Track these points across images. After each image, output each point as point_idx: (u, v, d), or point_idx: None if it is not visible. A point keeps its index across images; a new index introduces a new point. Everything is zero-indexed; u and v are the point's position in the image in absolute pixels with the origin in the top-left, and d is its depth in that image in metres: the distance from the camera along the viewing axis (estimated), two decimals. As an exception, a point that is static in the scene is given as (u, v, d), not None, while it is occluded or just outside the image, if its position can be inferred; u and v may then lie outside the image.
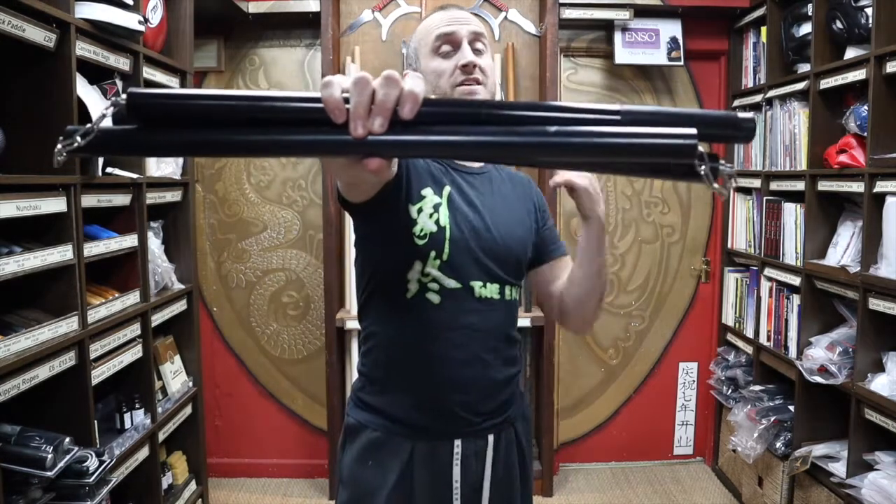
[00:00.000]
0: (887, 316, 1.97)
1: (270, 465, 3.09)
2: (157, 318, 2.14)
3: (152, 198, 2.09)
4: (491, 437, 1.15)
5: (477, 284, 1.10)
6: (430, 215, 1.06)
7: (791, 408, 2.48)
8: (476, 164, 1.18)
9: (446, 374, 1.10)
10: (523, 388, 1.32)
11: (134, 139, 0.55)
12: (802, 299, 2.39)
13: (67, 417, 1.66)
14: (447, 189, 1.10)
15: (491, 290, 1.11)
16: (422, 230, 1.05)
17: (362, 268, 1.15)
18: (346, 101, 0.54)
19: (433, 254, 1.06)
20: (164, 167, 2.19)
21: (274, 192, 2.99)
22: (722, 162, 0.56)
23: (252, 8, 2.73)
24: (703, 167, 0.54)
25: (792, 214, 2.50)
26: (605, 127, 0.56)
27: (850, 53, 2.20)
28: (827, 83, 2.28)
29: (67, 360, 1.63)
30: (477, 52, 1.12)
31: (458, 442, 1.12)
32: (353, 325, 2.77)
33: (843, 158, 2.18)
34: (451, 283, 1.08)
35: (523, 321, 2.63)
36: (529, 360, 2.96)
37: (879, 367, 2.04)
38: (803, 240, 2.40)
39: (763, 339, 2.69)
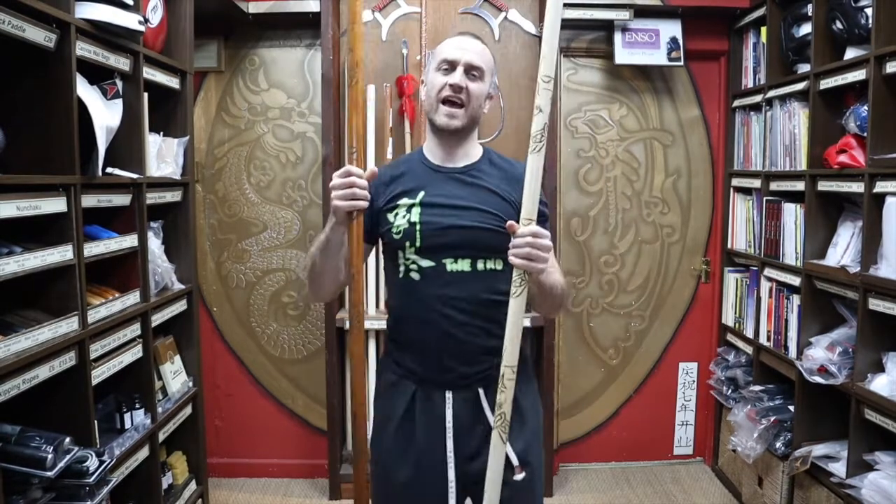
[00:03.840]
0: (887, 316, 1.97)
1: (270, 465, 3.09)
2: (157, 318, 2.14)
3: (152, 198, 2.09)
4: (481, 390, 1.41)
5: (448, 261, 1.38)
6: (403, 216, 1.40)
7: (791, 408, 2.48)
8: (460, 164, 1.46)
9: (432, 334, 1.39)
10: (531, 373, 1.55)
11: None
12: (802, 299, 2.39)
13: (67, 417, 1.66)
14: (422, 193, 1.41)
15: (462, 265, 1.38)
16: (398, 228, 1.39)
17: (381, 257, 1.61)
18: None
19: (408, 243, 1.39)
20: (164, 167, 2.19)
21: (274, 192, 2.99)
22: None
23: (252, 8, 2.73)
24: None
25: (792, 214, 2.50)
26: None
27: (850, 54, 2.20)
28: (827, 83, 2.28)
29: (67, 360, 1.63)
30: (472, 77, 1.39)
31: (448, 393, 1.41)
32: (353, 325, 2.77)
33: (843, 158, 2.18)
34: (426, 263, 1.39)
35: (523, 321, 2.62)
36: (529, 360, 2.96)
37: (879, 368, 2.03)
38: (803, 240, 2.40)
39: (763, 340, 2.69)
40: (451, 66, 1.40)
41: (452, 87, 1.38)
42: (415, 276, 1.40)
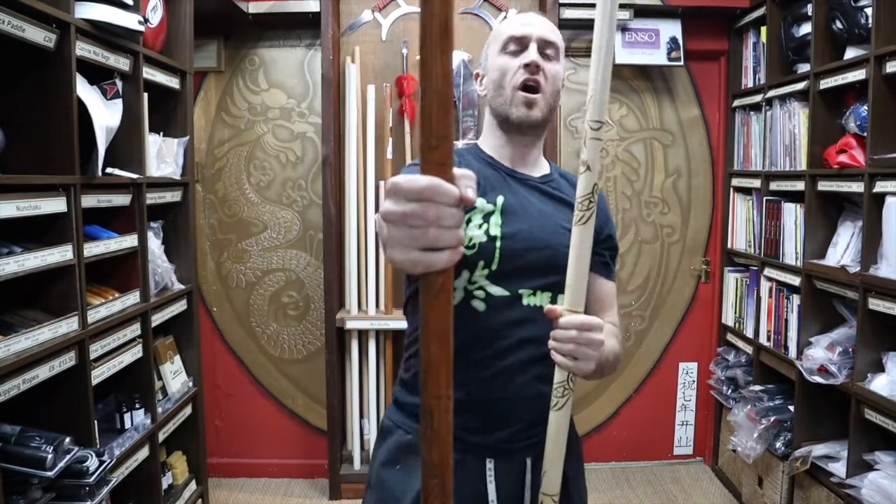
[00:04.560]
0: (887, 316, 1.97)
1: (270, 465, 3.09)
2: (157, 319, 2.14)
3: (152, 198, 2.09)
4: (529, 460, 1.11)
5: (526, 292, 1.08)
6: (480, 225, 1.07)
7: (791, 408, 2.48)
8: (537, 174, 1.19)
9: (485, 382, 1.07)
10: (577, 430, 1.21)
11: None
12: (802, 299, 2.39)
13: (67, 417, 1.66)
14: (501, 198, 1.10)
15: (541, 299, 1.09)
16: (470, 240, 1.06)
17: None
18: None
19: (481, 263, 1.06)
20: (164, 167, 2.19)
21: (274, 192, 2.99)
22: None
23: (252, 8, 2.73)
24: None
25: (792, 214, 2.50)
26: None
27: (850, 53, 2.20)
28: (827, 83, 2.28)
29: (67, 360, 1.63)
30: (546, 57, 1.13)
31: (490, 462, 1.09)
32: (352, 325, 2.78)
33: (842, 158, 2.17)
34: (498, 291, 1.07)
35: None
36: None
37: (879, 368, 2.03)
38: (803, 240, 2.40)
39: (763, 339, 2.69)
40: (520, 44, 1.13)
41: (529, 68, 1.10)
42: (478, 305, 1.07)
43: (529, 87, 1.11)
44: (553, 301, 1.10)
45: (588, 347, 0.91)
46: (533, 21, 1.15)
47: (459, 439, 0.97)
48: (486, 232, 1.07)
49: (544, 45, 1.13)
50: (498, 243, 1.06)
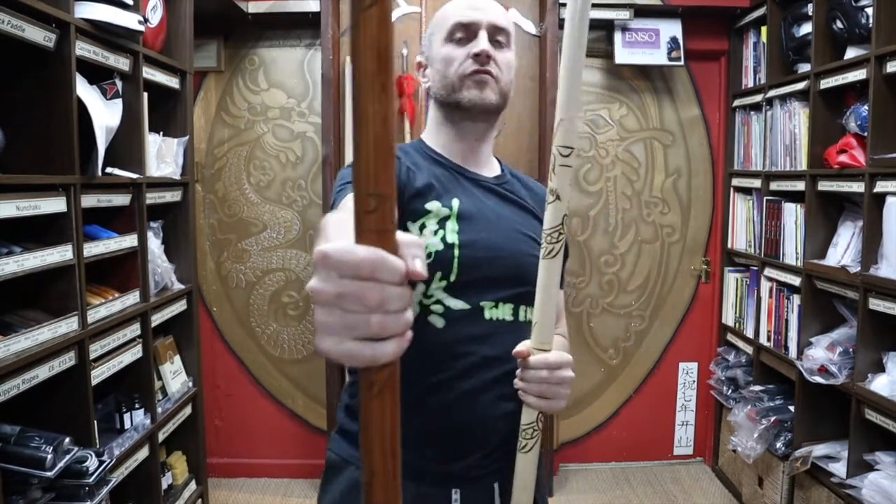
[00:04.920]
0: (887, 316, 1.97)
1: (270, 465, 3.09)
2: (157, 318, 2.14)
3: (152, 198, 2.09)
4: (497, 485, 1.01)
5: (488, 305, 0.99)
6: (435, 232, 0.96)
7: (791, 408, 2.48)
8: (489, 174, 1.09)
9: (449, 408, 0.97)
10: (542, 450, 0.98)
11: None
12: (802, 299, 2.39)
13: (67, 417, 1.66)
14: (456, 201, 0.99)
15: (503, 311, 1.00)
16: (427, 248, 0.94)
17: None
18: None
19: (438, 274, 0.95)
20: (163, 167, 2.19)
21: (274, 191, 2.99)
22: None
23: (252, 8, 2.73)
24: None
25: (792, 214, 2.50)
26: None
27: (851, 53, 2.20)
28: (827, 83, 2.28)
29: (67, 360, 1.62)
30: (497, 44, 1.03)
31: (456, 493, 0.99)
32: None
33: (843, 158, 2.17)
34: (457, 305, 0.97)
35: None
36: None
37: (880, 368, 2.03)
38: (803, 240, 2.40)
39: (763, 340, 2.69)
40: (468, 31, 1.02)
41: (478, 58, 1.00)
42: (436, 321, 0.96)
43: (480, 78, 1.02)
44: (516, 313, 1.01)
45: (559, 387, 0.86)
46: (481, 5, 1.04)
47: (421, 470, 0.97)
48: (443, 239, 0.96)
49: (495, 32, 1.03)
50: (456, 252, 0.96)
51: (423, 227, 0.97)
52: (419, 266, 0.46)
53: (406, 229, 0.96)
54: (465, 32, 1.03)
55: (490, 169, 1.11)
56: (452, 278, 0.96)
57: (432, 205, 0.98)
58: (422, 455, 0.97)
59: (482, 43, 1.00)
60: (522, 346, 0.86)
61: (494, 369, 0.98)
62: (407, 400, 0.86)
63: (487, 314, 0.99)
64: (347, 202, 0.85)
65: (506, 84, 1.05)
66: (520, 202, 1.08)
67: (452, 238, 0.96)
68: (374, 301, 0.44)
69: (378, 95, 0.44)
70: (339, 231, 0.57)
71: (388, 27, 0.43)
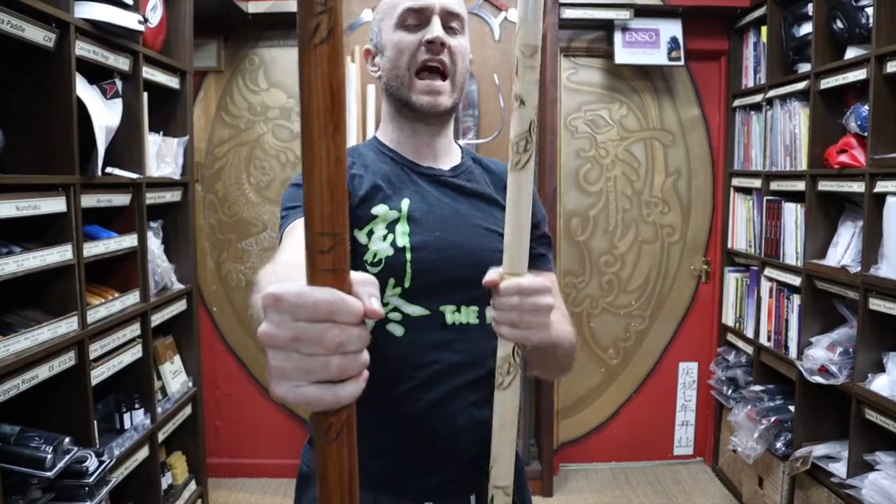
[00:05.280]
0: (888, 316, 1.97)
1: (270, 465, 3.09)
2: (157, 318, 2.14)
3: (152, 198, 2.09)
4: (473, 497, 0.97)
5: (449, 309, 0.93)
6: (384, 237, 0.92)
7: (791, 408, 2.48)
8: (446, 166, 1.03)
9: (416, 421, 0.92)
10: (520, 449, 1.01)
11: None
12: (803, 299, 2.39)
13: (67, 417, 1.66)
14: (406, 201, 0.95)
15: (467, 315, 0.94)
16: (375, 256, 0.91)
17: None
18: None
19: (392, 281, 0.91)
20: (163, 167, 2.19)
21: (274, 191, 2.99)
22: None
23: (252, 8, 2.73)
24: None
25: (792, 214, 2.50)
26: None
27: (851, 53, 2.20)
28: (827, 83, 2.28)
29: (67, 360, 1.62)
30: (450, 30, 0.98)
31: None
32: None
33: (843, 158, 2.17)
34: (416, 311, 0.92)
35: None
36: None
37: (880, 368, 2.03)
38: (803, 240, 2.40)
39: (763, 340, 2.69)
40: (419, 17, 0.97)
41: (431, 46, 0.95)
42: (395, 329, 0.92)
43: (433, 67, 0.96)
44: (481, 316, 0.95)
45: (534, 314, 0.73)
46: None
47: (395, 484, 0.94)
48: (393, 244, 0.91)
49: (448, 18, 0.97)
50: (408, 255, 0.91)
51: (370, 232, 0.93)
52: (375, 304, 0.46)
53: (353, 237, 0.92)
54: (416, 18, 0.97)
55: (449, 159, 1.05)
56: (407, 284, 0.92)
57: (379, 209, 0.94)
58: (395, 469, 0.94)
59: (435, 29, 0.95)
60: (494, 273, 0.75)
61: (462, 376, 0.94)
62: (373, 413, 0.88)
63: (449, 318, 0.94)
64: (294, 230, 0.86)
65: (460, 75, 1.00)
66: (479, 192, 1.02)
67: (403, 241, 0.92)
68: (334, 343, 0.43)
69: (332, 135, 0.43)
70: (279, 279, 0.58)
71: (339, 64, 0.42)
